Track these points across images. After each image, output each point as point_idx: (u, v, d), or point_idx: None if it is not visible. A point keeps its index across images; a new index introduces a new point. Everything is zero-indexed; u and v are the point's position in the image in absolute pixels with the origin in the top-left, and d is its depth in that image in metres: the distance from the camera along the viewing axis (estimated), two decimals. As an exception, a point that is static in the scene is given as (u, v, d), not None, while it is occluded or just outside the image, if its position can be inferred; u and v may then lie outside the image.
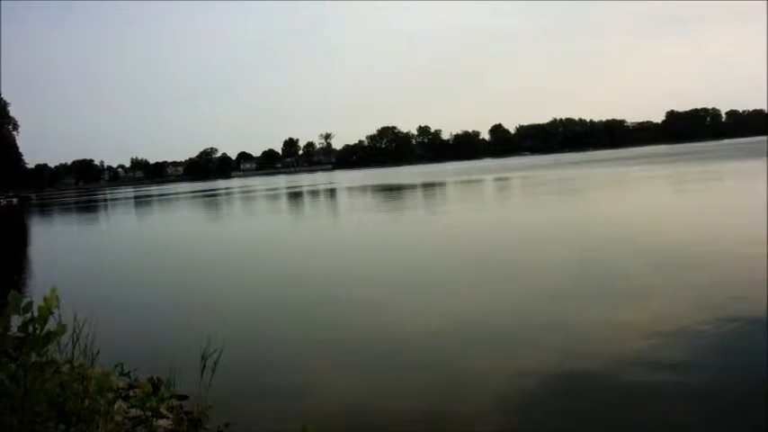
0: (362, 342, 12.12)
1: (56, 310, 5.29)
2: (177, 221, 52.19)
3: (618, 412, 8.25)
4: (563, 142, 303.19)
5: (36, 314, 5.09)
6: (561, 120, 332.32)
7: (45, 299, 5.14)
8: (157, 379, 9.17)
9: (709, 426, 7.72)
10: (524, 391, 8.98)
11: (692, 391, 8.59)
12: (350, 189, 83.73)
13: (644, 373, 9.33)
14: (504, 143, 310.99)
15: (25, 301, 5.07)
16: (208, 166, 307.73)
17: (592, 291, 15.00)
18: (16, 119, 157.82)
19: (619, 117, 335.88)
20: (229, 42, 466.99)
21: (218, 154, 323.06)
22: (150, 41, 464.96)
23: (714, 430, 7.65)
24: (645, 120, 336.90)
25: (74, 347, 7.59)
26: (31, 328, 5.12)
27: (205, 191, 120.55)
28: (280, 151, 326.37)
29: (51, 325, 5.30)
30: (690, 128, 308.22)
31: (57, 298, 5.16)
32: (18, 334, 10.84)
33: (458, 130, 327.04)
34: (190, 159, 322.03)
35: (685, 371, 9.26)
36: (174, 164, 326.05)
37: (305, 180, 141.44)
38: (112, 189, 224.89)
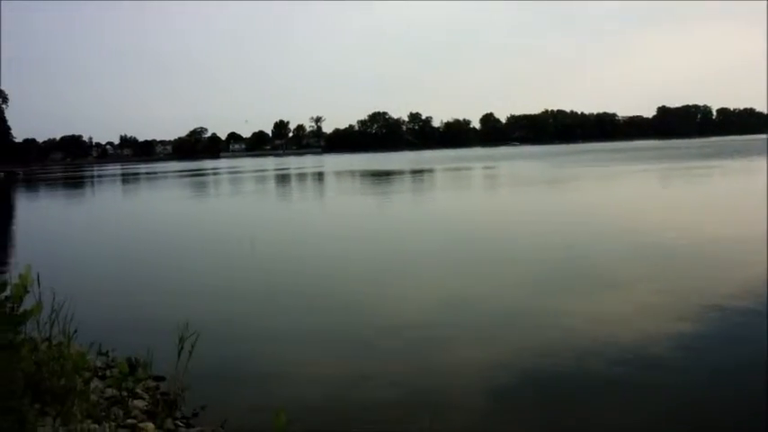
0: (343, 329, 12.10)
1: (35, 289, 5.30)
2: (162, 201, 52.02)
3: (597, 408, 8.29)
4: (553, 134, 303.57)
5: (12, 293, 5.10)
6: (552, 111, 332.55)
7: (20, 276, 5.15)
8: (135, 360, 9.20)
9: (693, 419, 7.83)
10: (502, 384, 9.00)
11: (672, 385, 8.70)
12: (338, 174, 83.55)
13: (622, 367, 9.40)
14: (494, 132, 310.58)
15: (0, 279, 5.09)
16: (197, 146, 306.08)
17: (575, 282, 15.09)
18: (6, 92, 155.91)
19: (610, 111, 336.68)
20: (222, 20, 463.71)
21: (208, 134, 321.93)
22: (141, 20, 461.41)
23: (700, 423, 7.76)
24: (636, 114, 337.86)
25: (51, 326, 7.60)
26: (6, 307, 5.14)
27: (193, 170, 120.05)
28: (270, 133, 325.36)
29: (28, 303, 5.32)
30: (680, 124, 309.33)
31: (31, 276, 5.18)
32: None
33: (449, 117, 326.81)
34: (179, 138, 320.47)
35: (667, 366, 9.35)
36: (163, 143, 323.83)
37: (293, 163, 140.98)
38: (100, 166, 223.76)
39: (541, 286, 14.85)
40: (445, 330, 11.65)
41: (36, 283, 5.29)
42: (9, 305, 5.06)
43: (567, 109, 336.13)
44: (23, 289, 5.09)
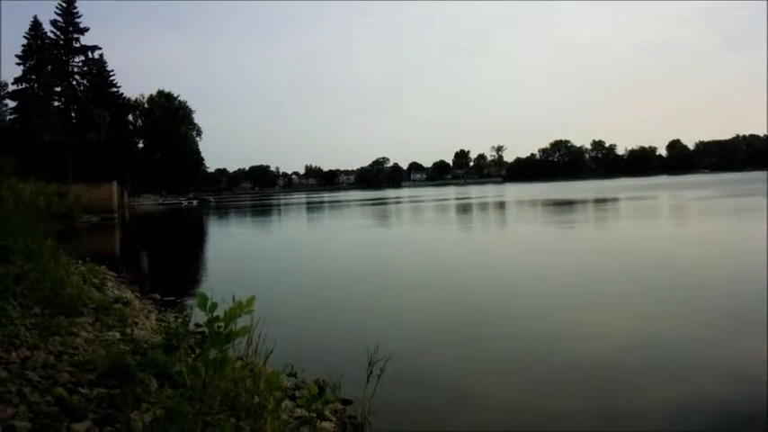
0: (536, 357, 11.94)
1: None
2: (348, 227, 53.21)
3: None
4: (745, 160, 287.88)
5: (218, 314, 5.42)
6: (744, 136, 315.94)
7: (240, 304, 5.46)
8: (323, 382, 9.50)
9: None
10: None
11: None
12: (519, 203, 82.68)
13: None
14: (681, 159, 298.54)
15: (211, 301, 5.41)
16: (378, 176, 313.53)
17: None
18: (200, 125, 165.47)
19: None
20: (400, 54, 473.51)
21: (390, 164, 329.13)
22: (324, 54, 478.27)
23: None
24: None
25: (248, 346, 7.96)
26: (215, 327, 5.46)
27: (375, 199, 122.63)
28: (450, 162, 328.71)
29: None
30: None
31: (251, 306, 5.46)
32: (196, 330, 11.51)
33: (633, 144, 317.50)
34: (361, 168, 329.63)
35: None
36: (346, 172, 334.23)
37: (474, 192, 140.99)
38: (286, 194, 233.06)
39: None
40: (635, 369, 11.21)
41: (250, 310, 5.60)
42: (218, 324, 5.37)
43: (761, 133, 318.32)
44: (237, 313, 5.39)
